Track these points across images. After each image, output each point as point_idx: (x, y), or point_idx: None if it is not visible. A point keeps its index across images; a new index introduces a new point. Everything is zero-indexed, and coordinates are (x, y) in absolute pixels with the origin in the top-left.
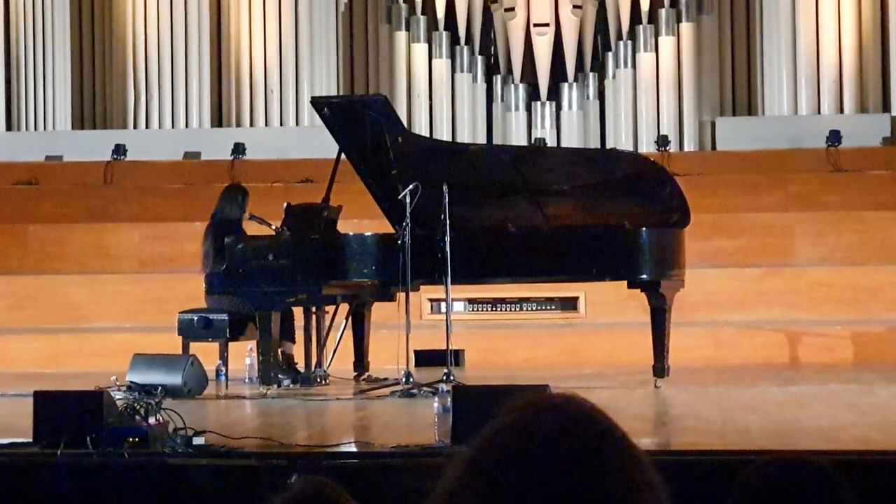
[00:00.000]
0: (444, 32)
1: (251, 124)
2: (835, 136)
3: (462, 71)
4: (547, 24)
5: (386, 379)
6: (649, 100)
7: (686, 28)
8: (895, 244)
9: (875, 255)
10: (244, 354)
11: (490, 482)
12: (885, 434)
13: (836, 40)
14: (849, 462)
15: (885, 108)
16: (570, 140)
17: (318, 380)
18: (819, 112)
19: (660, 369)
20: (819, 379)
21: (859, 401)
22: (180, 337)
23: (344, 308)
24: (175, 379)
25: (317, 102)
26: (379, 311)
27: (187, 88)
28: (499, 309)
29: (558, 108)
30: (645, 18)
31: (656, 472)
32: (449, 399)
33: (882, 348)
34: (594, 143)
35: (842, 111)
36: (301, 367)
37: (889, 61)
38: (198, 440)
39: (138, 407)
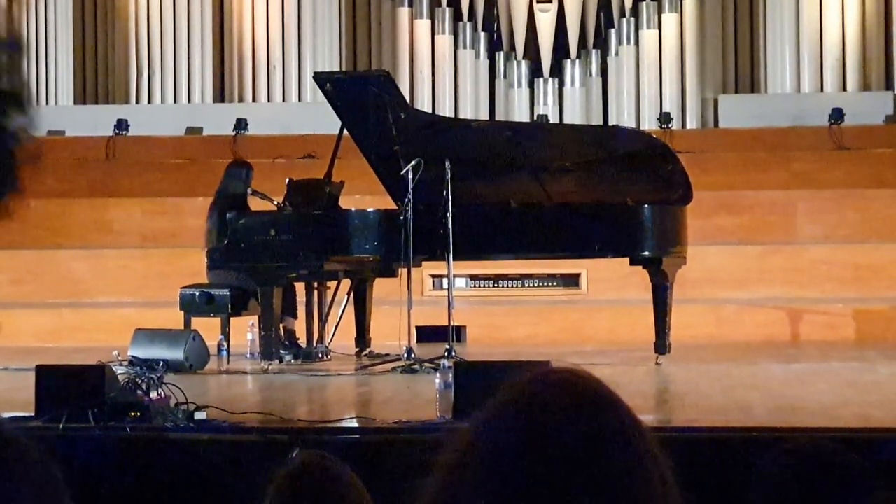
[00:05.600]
0: (447, 8)
1: (254, 100)
2: (837, 114)
3: (465, 47)
4: (550, 1)
5: (388, 355)
6: (652, 77)
7: (689, 5)
8: None
9: (877, 234)
10: (246, 330)
11: (493, 456)
12: (887, 411)
13: (839, 18)
14: (850, 439)
15: (889, 86)
16: (573, 117)
17: (320, 355)
18: (822, 90)
19: (661, 346)
20: (821, 356)
21: (861, 378)
22: (182, 312)
23: (346, 284)
24: (177, 354)
25: (319, 78)
26: (381, 287)
27: (189, 63)
28: (500, 285)
29: (561, 84)
30: None
31: (659, 445)
32: (450, 375)
33: (884, 326)
34: (597, 120)
35: (845, 89)
36: (303, 342)
37: (892, 39)
38: (199, 415)
39: (140, 381)
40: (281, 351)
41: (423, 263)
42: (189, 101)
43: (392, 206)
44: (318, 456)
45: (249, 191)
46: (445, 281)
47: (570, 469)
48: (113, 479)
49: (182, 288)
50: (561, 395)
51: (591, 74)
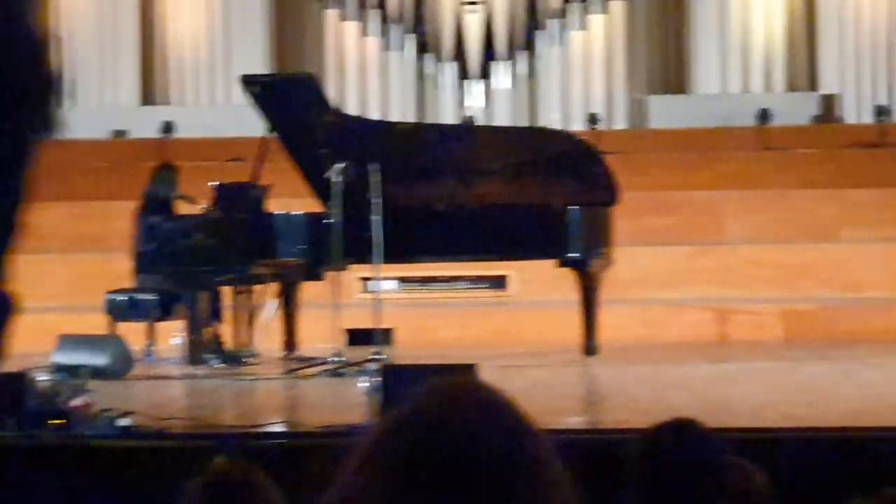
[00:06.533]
0: (375, 10)
1: (180, 103)
2: (764, 115)
3: (393, 49)
4: (478, 3)
5: (316, 358)
6: (580, 78)
7: (616, 6)
8: (824, 222)
9: (805, 233)
10: (172, 334)
11: (387, 463)
12: (813, 411)
13: (765, 19)
14: (776, 439)
15: (814, 86)
16: (501, 118)
17: (247, 360)
18: (749, 90)
19: (589, 347)
20: (748, 356)
21: (787, 378)
22: (108, 317)
23: (273, 287)
24: (101, 360)
25: (245, 80)
26: (310, 290)
27: (115, 66)
28: (429, 287)
29: (489, 86)
30: None
31: (554, 450)
32: (378, 378)
33: (811, 326)
34: (525, 122)
35: (771, 89)
36: (230, 346)
37: (817, 40)
38: (123, 421)
39: (62, 388)
40: (207, 355)
41: (353, 266)
42: (115, 104)
43: (319, 208)
44: (234, 464)
45: (176, 195)
46: (374, 283)
47: (458, 479)
48: (34, 489)
49: (107, 293)
50: (451, 405)
51: (519, 76)
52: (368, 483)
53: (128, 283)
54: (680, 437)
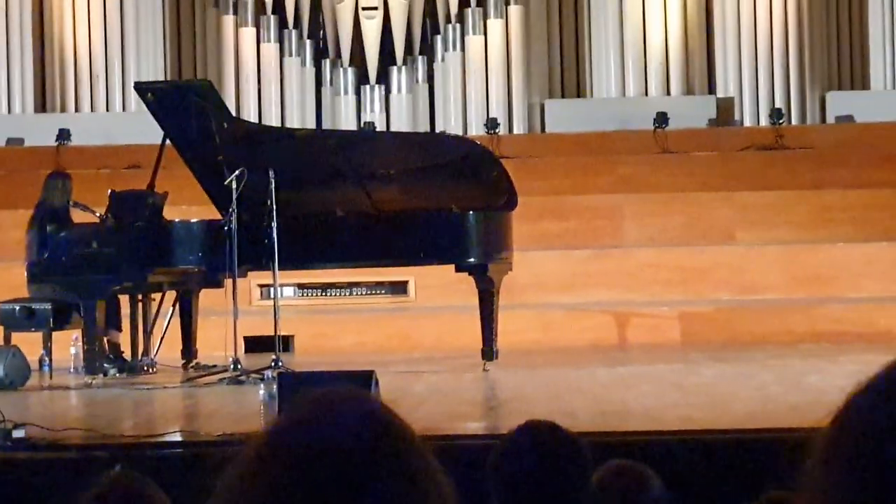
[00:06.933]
0: (273, 16)
1: (76, 110)
2: (662, 118)
3: (291, 55)
4: (375, 8)
5: (214, 366)
6: (478, 83)
7: (514, 11)
8: (722, 225)
9: (703, 236)
10: (69, 344)
11: (272, 475)
12: (707, 413)
13: (662, 23)
14: (672, 442)
15: (711, 89)
16: (400, 124)
17: (145, 368)
18: (646, 94)
19: (488, 352)
20: (646, 359)
21: (684, 381)
22: (1, 327)
23: (171, 295)
24: None
25: (140, 88)
26: (208, 298)
27: (9, 73)
28: (328, 294)
29: (387, 91)
30: (473, 1)
31: (436, 461)
32: (274, 386)
33: (708, 328)
34: (424, 127)
35: (669, 93)
36: (128, 355)
37: (714, 43)
38: (17, 433)
39: None
40: (105, 365)
41: (251, 273)
42: (9, 111)
43: (217, 216)
44: (126, 475)
45: (70, 203)
46: (272, 290)
47: (334, 493)
48: None
49: (1, 302)
50: (331, 416)
51: (417, 81)
52: (246, 495)
53: (23, 292)
54: (536, 439)
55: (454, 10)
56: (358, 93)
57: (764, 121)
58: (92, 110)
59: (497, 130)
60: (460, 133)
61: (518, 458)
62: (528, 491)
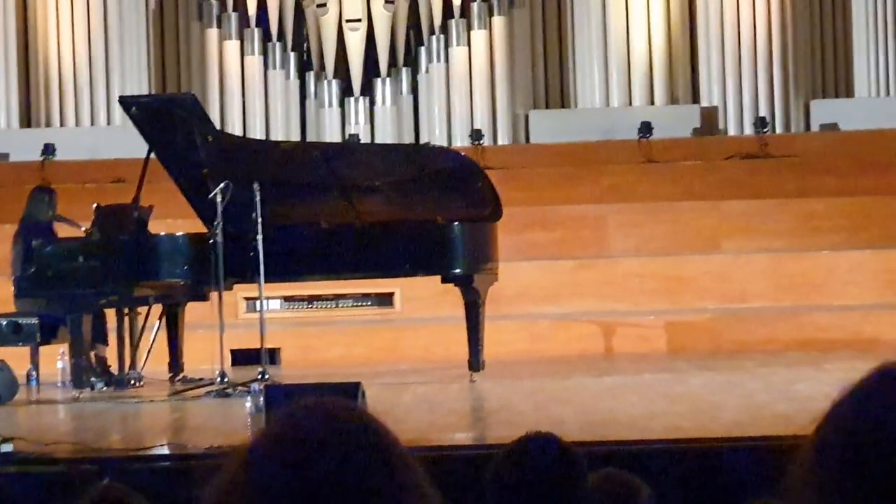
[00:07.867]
0: (256, 29)
1: (61, 124)
2: (646, 128)
3: (275, 68)
4: (359, 20)
5: (201, 379)
6: (462, 94)
7: (498, 22)
8: (707, 234)
9: (688, 245)
10: (56, 358)
11: (258, 484)
12: (694, 422)
13: (645, 33)
14: (659, 451)
15: (695, 99)
16: (384, 136)
17: (132, 382)
18: (630, 104)
19: (475, 363)
20: (633, 369)
21: (671, 390)
22: None
23: (157, 309)
24: None
25: (125, 102)
26: (195, 311)
27: None
28: (315, 306)
29: (372, 103)
30: (457, 13)
31: (423, 471)
32: (261, 398)
33: (694, 337)
34: (408, 139)
35: (653, 103)
36: (115, 369)
37: (697, 53)
38: (5, 447)
39: None
40: (92, 379)
41: (237, 286)
42: None
43: (203, 229)
44: (114, 489)
45: (55, 217)
46: (259, 303)
47: (327, 500)
48: None
49: None
50: (317, 426)
51: (401, 93)
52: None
53: (10, 307)
54: (536, 450)
55: (438, 21)
56: (342, 105)
57: (748, 129)
58: (77, 125)
59: (482, 141)
60: (445, 144)
61: (519, 469)
62: (528, 501)
